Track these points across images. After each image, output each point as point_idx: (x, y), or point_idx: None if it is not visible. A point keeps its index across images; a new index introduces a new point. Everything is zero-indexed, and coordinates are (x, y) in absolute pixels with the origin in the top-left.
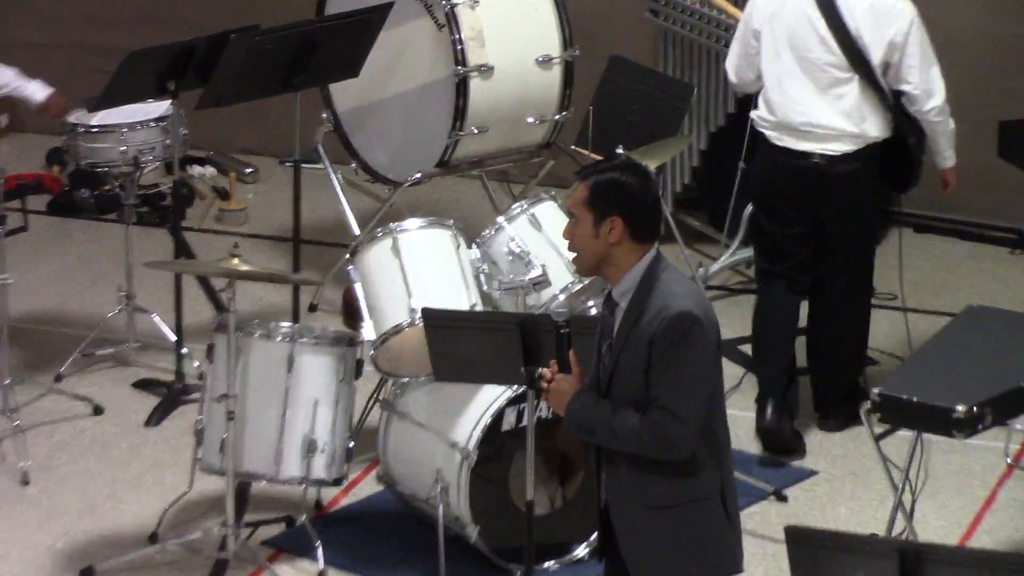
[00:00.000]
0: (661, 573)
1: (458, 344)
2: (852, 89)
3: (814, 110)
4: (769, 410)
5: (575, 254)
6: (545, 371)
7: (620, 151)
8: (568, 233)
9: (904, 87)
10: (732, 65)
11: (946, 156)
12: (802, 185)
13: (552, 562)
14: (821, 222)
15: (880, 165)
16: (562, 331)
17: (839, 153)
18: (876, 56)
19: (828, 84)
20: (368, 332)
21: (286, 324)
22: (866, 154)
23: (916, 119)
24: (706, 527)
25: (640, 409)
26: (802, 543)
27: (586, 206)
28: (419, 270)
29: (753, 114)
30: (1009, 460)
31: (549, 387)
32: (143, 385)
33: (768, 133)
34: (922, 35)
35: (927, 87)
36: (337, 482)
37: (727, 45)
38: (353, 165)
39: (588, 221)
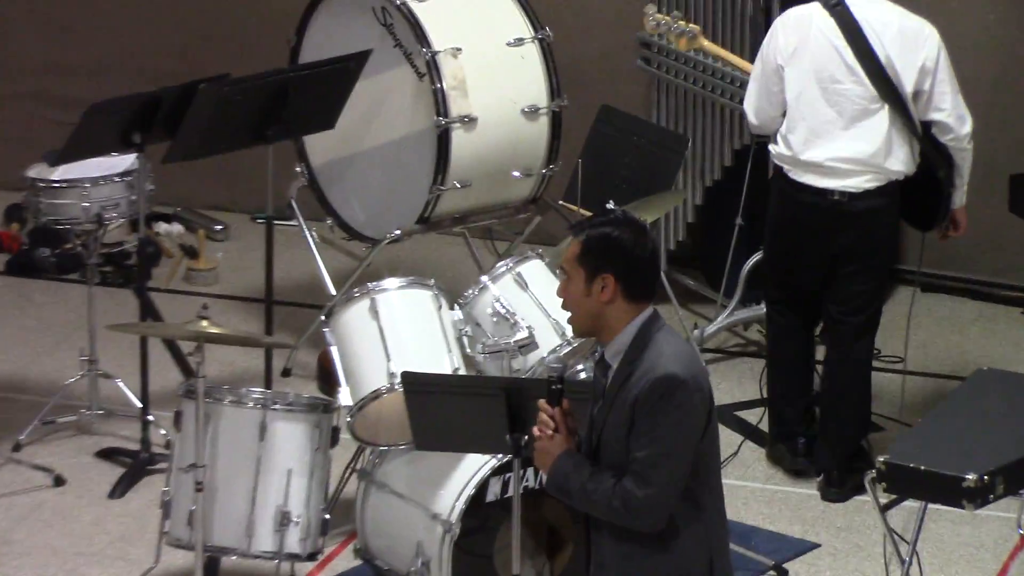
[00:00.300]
0: None
1: (440, 410)
2: (881, 120)
3: (839, 144)
4: (800, 447)
5: (568, 313)
6: (535, 429)
7: (611, 206)
8: (561, 291)
9: (936, 115)
10: (752, 106)
11: (964, 191)
12: (820, 222)
13: None
14: (835, 260)
15: (901, 203)
16: (554, 387)
17: (861, 190)
18: (908, 84)
19: (856, 116)
20: (345, 398)
21: (258, 390)
22: (888, 191)
23: (945, 151)
24: None
25: (620, 474)
26: None
27: (577, 263)
28: (398, 332)
29: (772, 149)
30: (1022, 531)
31: (536, 445)
32: (107, 454)
33: (787, 168)
34: (947, 59)
35: (960, 112)
36: (312, 557)
37: (723, 94)
38: (328, 222)
39: (580, 278)
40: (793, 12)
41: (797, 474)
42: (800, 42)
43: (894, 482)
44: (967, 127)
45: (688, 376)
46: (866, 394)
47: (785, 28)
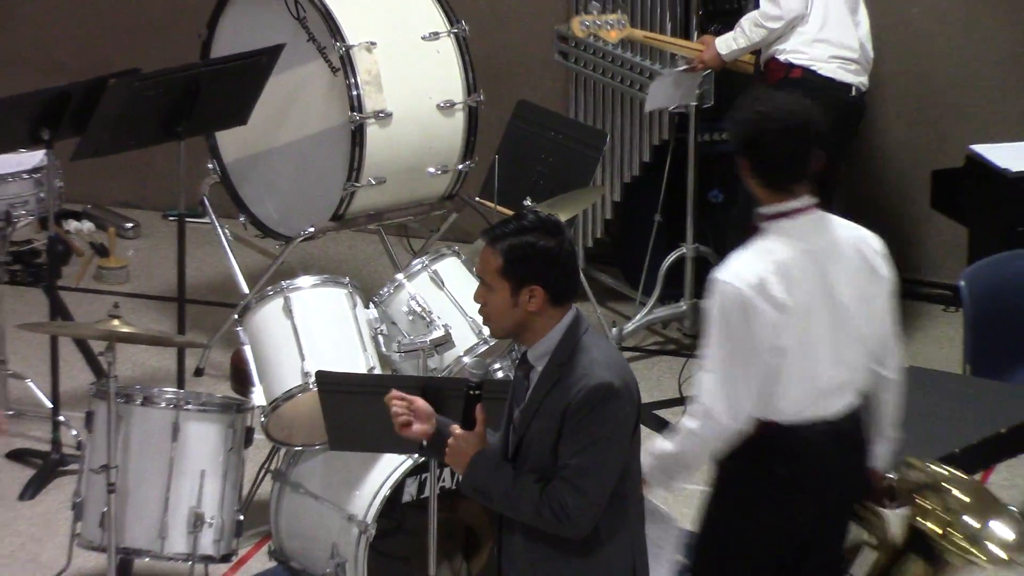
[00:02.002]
0: None
1: (355, 410)
2: (864, 16)
3: (849, 33)
4: None
5: (488, 320)
6: (389, 401)
7: (528, 203)
8: (480, 298)
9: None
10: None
11: None
12: (844, 120)
13: None
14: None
15: None
16: (473, 392)
17: (865, 88)
18: None
19: (853, 7)
20: (258, 398)
21: (170, 390)
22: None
23: None
24: None
25: (545, 479)
26: None
27: (501, 275)
28: (313, 331)
29: (786, 47)
30: None
31: (448, 443)
32: (17, 456)
33: (816, 65)
34: None
35: None
36: (226, 558)
37: (642, 89)
38: (241, 219)
39: (504, 291)
40: None
41: None
42: None
43: None
44: None
45: (621, 384)
46: None
47: None
